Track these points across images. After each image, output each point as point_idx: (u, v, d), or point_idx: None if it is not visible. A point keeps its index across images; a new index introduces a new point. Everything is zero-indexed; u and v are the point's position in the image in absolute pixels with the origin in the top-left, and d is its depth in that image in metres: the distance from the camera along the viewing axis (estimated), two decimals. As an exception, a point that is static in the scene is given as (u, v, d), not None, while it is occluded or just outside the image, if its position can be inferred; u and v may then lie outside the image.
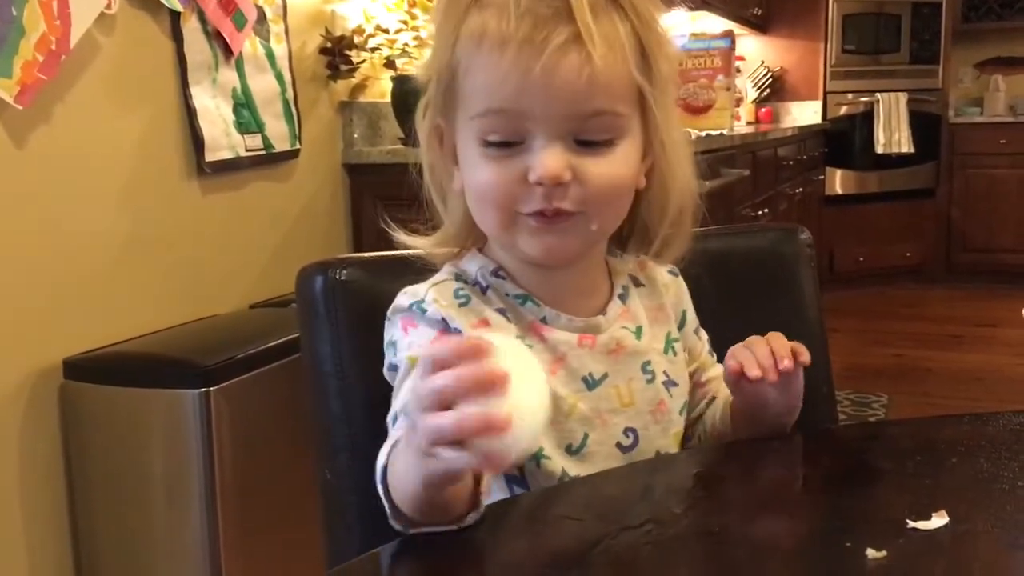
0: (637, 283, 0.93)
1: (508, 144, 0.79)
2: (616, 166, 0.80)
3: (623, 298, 0.90)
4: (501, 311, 0.85)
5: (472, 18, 0.79)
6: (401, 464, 0.69)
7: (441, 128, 0.85)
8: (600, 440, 0.84)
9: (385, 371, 0.87)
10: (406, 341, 0.84)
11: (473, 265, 0.88)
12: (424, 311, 0.84)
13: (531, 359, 0.63)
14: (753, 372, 0.81)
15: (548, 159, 0.77)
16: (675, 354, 0.92)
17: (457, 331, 0.82)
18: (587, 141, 0.79)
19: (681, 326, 0.94)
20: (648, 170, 0.85)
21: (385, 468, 0.72)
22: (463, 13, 0.79)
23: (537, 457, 0.82)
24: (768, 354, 0.82)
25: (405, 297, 0.86)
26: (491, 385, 0.59)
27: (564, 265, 0.85)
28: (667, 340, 0.92)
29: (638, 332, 0.89)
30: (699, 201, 0.90)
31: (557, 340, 0.85)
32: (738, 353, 0.84)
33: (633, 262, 0.93)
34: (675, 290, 0.95)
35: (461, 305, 0.84)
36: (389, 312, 0.87)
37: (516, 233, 0.82)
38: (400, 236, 0.91)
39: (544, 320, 0.86)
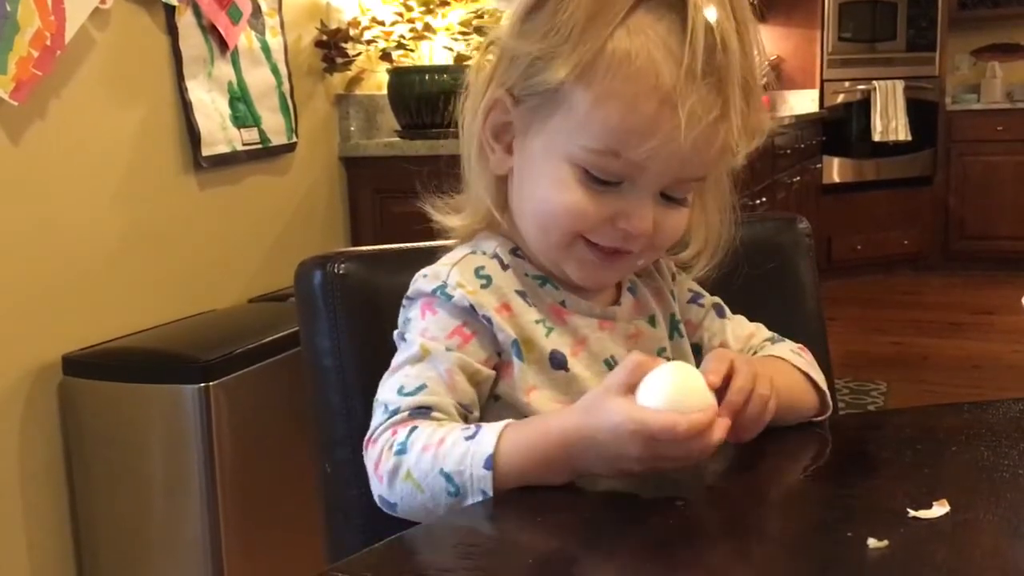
0: (639, 272, 0.93)
1: (604, 181, 0.78)
2: (684, 221, 0.83)
3: (633, 291, 0.91)
4: (521, 293, 0.84)
5: (622, 38, 0.75)
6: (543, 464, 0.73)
7: (501, 103, 0.82)
8: None
9: (395, 335, 0.86)
10: (421, 324, 0.82)
11: (490, 244, 0.87)
12: (449, 297, 0.81)
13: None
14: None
15: (644, 217, 0.78)
16: (681, 336, 0.92)
17: (486, 319, 0.81)
18: (673, 197, 0.80)
19: (675, 301, 0.94)
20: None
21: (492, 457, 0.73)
22: (613, 24, 0.75)
23: None
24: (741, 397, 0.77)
25: (426, 281, 0.84)
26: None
27: None
28: (672, 324, 0.92)
29: (652, 320, 0.90)
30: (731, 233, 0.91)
31: (578, 324, 0.85)
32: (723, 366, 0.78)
33: None
34: (662, 271, 0.94)
35: (484, 286, 0.83)
36: (409, 294, 0.85)
37: (569, 256, 0.82)
38: (437, 216, 0.89)
39: (564, 304, 0.85)
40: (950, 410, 0.90)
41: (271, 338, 1.91)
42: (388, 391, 0.80)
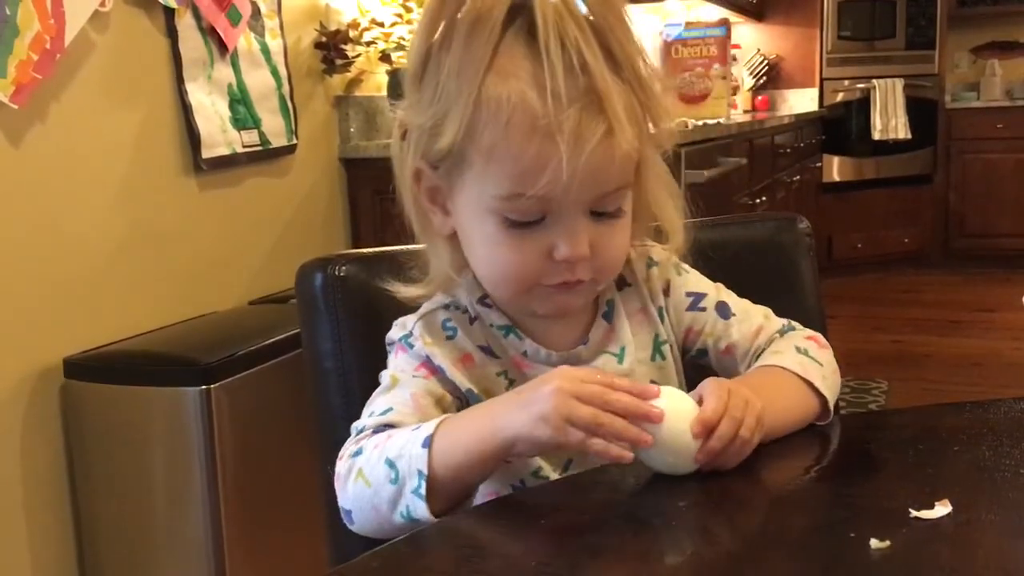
0: (623, 284, 0.92)
1: (526, 223, 0.79)
2: (625, 233, 0.84)
3: (608, 316, 0.90)
4: (484, 348, 0.88)
5: (494, 86, 0.76)
6: (476, 444, 0.75)
7: (423, 172, 0.83)
8: (583, 464, 0.85)
9: (381, 373, 0.90)
10: (394, 363, 0.88)
11: (463, 292, 0.89)
12: (412, 346, 0.87)
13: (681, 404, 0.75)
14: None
15: (576, 240, 0.79)
16: (663, 358, 0.91)
17: (440, 369, 0.86)
18: (605, 212, 0.80)
19: (662, 319, 0.92)
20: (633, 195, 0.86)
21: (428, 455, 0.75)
22: (480, 75, 0.76)
23: (534, 474, 0.85)
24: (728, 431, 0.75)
25: (396, 330, 0.90)
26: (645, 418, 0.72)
27: None
28: (654, 345, 0.91)
29: (621, 355, 0.89)
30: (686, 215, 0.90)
31: (536, 375, 0.84)
32: (709, 397, 0.76)
33: None
34: (653, 282, 0.93)
35: (448, 338, 0.87)
36: (387, 339, 0.91)
37: (531, 299, 0.84)
38: (402, 292, 0.91)
39: (525, 355, 0.87)
40: (951, 410, 0.90)
41: (272, 340, 1.91)
42: (361, 417, 0.85)
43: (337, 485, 0.81)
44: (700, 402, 0.76)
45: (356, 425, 0.84)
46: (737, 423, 0.75)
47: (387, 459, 0.77)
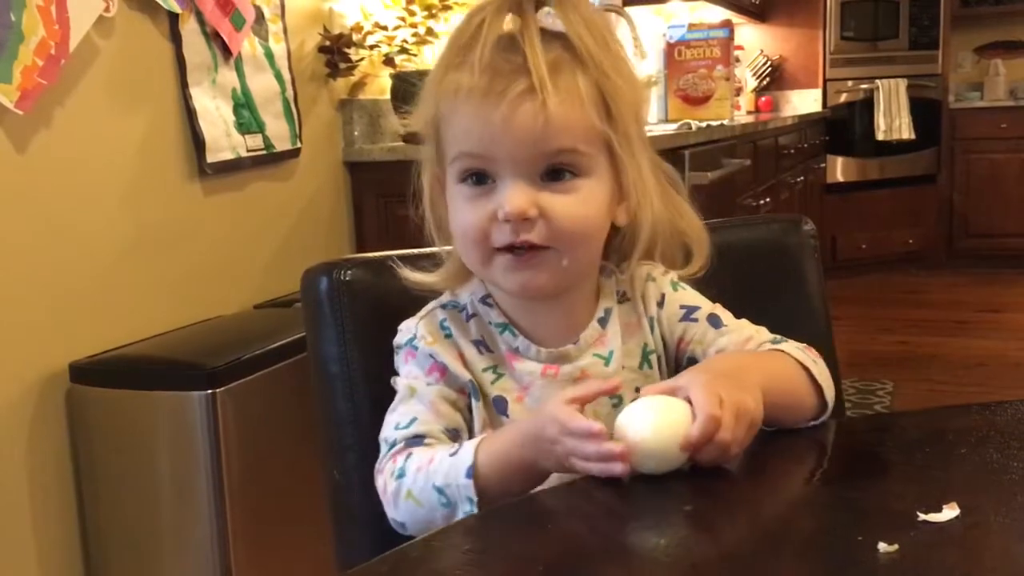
0: (623, 299, 0.95)
1: (482, 183, 0.87)
2: (580, 204, 0.87)
3: (603, 321, 0.94)
4: (477, 343, 0.93)
5: (450, 76, 0.87)
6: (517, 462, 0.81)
7: (440, 178, 0.92)
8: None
9: (392, 380, 0.94)
10: (406, 369, 0.94)
11: (465, 293, 0.95)
12: (416, 348, 0.93)
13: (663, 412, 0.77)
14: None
15: (513, 196, 0.84)
16: (650, 367, 0.94)
17: (444, 365, 0.91)
18: (552, 178, 0.86)
19: (652, 330, 0.95)
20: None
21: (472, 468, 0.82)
22: (443, 74, 0.88)
23: None
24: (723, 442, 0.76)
25: (402, 334, 0.95)
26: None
27: (543, 298, 0.91)
28: (643, 354, 0.94)
29: (608, 358, 0.92)
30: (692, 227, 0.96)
31: (524, 370, 0.92)
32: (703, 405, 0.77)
33: (626, 274, 0.96)
34: (648, 295, 0.95)
35: (446, 337, 0.93)
36: (394, 343, 0.95)
37: (493, 269, 0.88)
38: (407, 274, 0.96)
39: (517, 350, 0.92)
40: (958, 412, 0.90)
41: (277, 344, 1.91)
42: (388, 428, 0.91)
43: (384, 500, 0.88)
44: (688, 399, 0.77)
45: (385, 438, 0.90)
46: (726, 444, 0.75)
47: (435, 486, 0.84)
